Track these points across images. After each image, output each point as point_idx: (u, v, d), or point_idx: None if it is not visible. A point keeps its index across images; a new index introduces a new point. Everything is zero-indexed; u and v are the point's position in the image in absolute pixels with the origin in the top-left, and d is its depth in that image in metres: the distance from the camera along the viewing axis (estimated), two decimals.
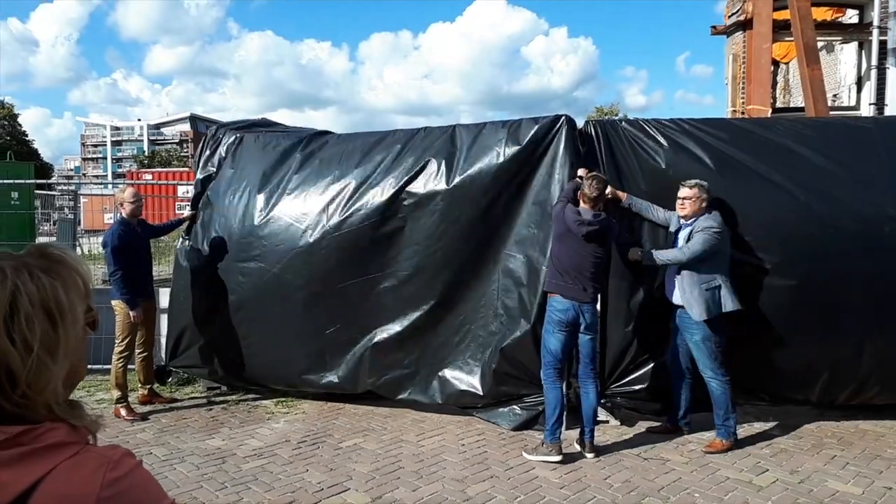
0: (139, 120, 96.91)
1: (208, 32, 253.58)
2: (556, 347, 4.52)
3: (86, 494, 0.93)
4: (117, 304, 5.54)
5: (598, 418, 5.07)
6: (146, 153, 76.85)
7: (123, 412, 5.43)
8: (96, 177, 74.73)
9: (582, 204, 4.53)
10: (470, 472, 4.35)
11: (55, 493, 0.92)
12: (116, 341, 5.62)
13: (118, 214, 5.81)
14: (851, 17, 12.97)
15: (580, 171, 4.86)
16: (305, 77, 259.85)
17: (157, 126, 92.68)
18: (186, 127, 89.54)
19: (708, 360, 4.57)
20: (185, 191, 20.24)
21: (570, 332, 4.52)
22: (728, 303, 4.53)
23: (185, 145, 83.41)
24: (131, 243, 5.56)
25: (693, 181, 4.66)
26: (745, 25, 11.66)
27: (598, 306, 4.74)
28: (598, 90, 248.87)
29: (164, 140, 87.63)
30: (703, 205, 4.61)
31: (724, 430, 4.63)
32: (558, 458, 4.42)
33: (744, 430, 4.92)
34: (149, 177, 26.75)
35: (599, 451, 4.62)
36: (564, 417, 4.54)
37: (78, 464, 0.96)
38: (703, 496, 3.96)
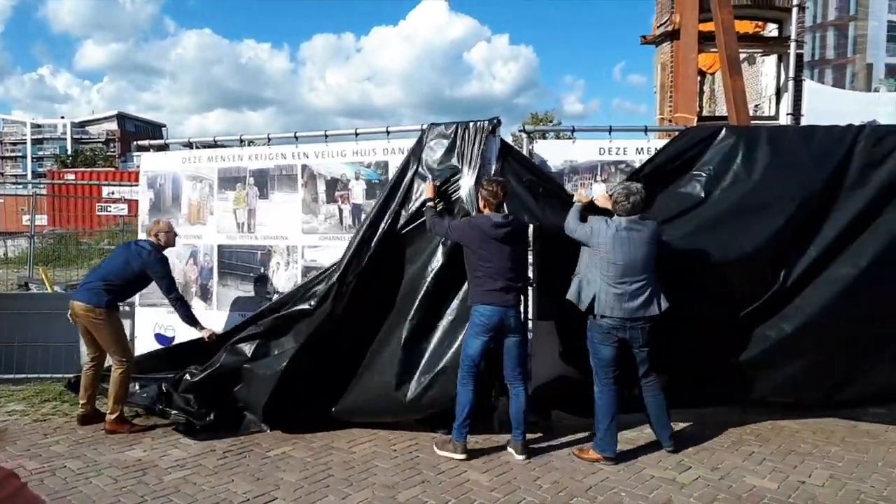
0: (62, 118, 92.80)
1: (143, 29, 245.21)
2: (475, 352, 4.58)
3: None
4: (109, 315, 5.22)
5: (531, 419, 5.13)
6: (69, 152, 73.60)
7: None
8: (14, 177, 71.15)
9: (488, 210, 4.61)
10: (401, 477, 4.31)
11: None
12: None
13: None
14: (772, 30, 13.56)
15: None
16: (244, 76, 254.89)
17: (82, 124, 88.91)
18: (114, 126, 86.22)
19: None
20: (110, 192, 19.53)
21: (493, 337, 4.57)
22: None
23: (111, 144, 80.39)
24: None
25: None
26: (673, 36, 12.03)
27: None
28: (539, 97, 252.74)
29: (90, 139, 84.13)
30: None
31: (595, 439, 4.61)
32: (462, 456, 4.56)
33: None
34: (71, 177, 25.66)
35: (530, 452, 4.67)
36: (469, 421, 4.60)
37: None
38: (629, 495, 4.04)
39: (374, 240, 5.13)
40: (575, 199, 4.91)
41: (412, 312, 5.05)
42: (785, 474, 4.34)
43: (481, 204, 4.70)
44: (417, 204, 5.12)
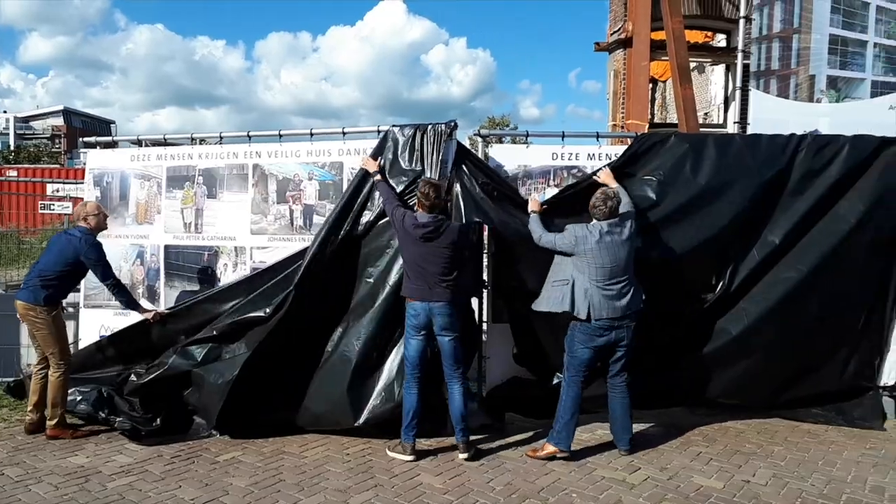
0: (5, 112, 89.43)
1: (92, 23, 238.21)
2: (412, 354, 4.63)
3: None
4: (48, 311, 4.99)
5: (484, 421, 5.17)
6: (11, 148, 70.89)
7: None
8: None
9: (420, 210, 4.64)
10: (353, 481, 4.27)
11: None
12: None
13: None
14: (720, 41, 13.91)
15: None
16: (198, 74, 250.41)
17: (26, 119, 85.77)
18: (59, 121, 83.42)
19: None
20: (55, 189, 18.86)
21: (427, 336, 4.62)
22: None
23: (56, 140, 77.84)
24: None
25: None
26: (626, 44, 12.23)
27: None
28: (496, 101, 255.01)
29: (34, 135, 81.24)
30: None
31: (552, 433, 4.68)
32: (410, 457, 4.62)
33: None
34: (13, 173, 24.71)
35: (482, 453, 4.70)
36: (415, 423, 4.63)
37: None
38: (580, 496, 4.08)
39: (334, 245, 5.08)
40: (530, 208, 4.95)
41: (371, 320, 5.01)
42: (730, 474, 4.44)
43: (415, 203, 4.74)
44: (378, 209, 5.09)
